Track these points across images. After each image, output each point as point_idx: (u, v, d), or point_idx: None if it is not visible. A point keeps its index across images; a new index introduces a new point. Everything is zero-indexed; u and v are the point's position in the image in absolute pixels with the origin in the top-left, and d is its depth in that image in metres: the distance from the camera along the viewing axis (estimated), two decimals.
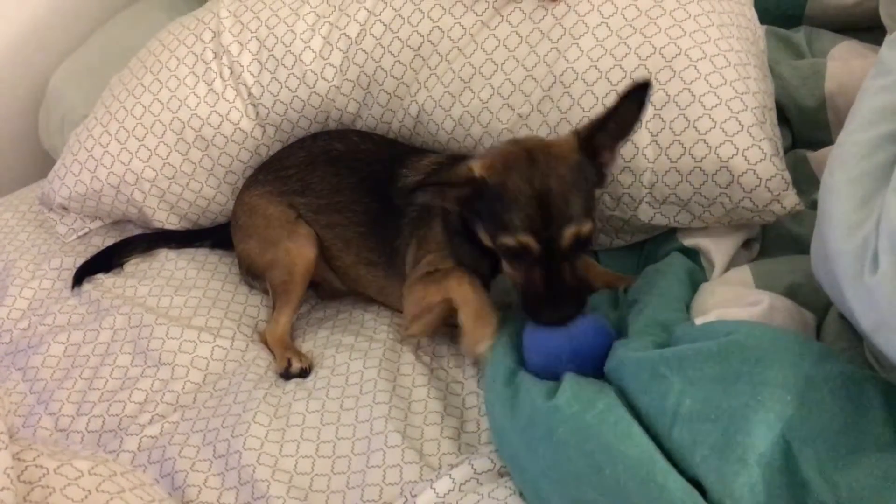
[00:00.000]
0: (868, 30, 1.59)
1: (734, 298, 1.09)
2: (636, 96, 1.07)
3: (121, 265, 1.55)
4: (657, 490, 0.84)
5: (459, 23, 1.39)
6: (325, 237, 1.43)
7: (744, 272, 1.16)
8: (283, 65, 1.48)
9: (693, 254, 1.26)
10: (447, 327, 1.26)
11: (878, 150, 0.92)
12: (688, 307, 1.14)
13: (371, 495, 1.06)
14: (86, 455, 1.02)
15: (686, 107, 1.22)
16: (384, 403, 1.17)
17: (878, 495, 0.79)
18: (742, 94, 1.21)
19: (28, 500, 0.89)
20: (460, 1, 1.40)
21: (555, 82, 1.30)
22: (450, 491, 1.01)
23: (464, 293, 1.16)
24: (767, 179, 1.18)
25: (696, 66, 1.23)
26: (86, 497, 0.91)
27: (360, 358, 1.28)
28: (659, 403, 0.92)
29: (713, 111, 1.20)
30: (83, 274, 1.51)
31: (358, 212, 1.40)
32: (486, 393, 1.14)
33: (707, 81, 1.22)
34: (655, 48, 1.25)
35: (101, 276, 1.52)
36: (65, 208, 1.65)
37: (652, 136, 1.23)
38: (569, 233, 1.05)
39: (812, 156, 1.40)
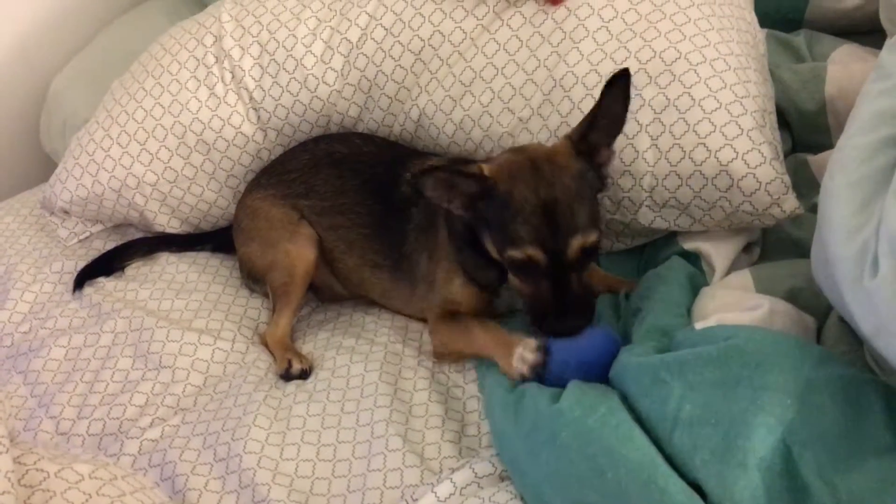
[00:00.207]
0: (868, 33, 1.59)
1: (734, 303, 1.09)
2: (618, 88, 1.08)
3: (122, 269, 1.55)
4: (658, 493, 0.84)
5: (460, 27, 1.39)
6: (329, 239, 1.44)
7: (744, 276, 1.16)
8: (284, 69, 1.49)
9: (694, 257, 1.26)
10: None
11: (878, 154, 0.92)
12: (689, 312, 1.14)
13: (372, 499, 1.06)
14: (86, 459, 1.02)
15: (686, 110, 1.22)
16: (385, 407, 1.17)
17: (879, 499, 0.79)
18: (742, 97, 1.22)
19: (29, 503, 0.89)
20: (461, 5, 1.40)
21: (555, 86, 1.30)
22: (451, 495, 1.01)
23: (488, 341, 1.16)
24: (767, 183, 1.18)
25: (695, 70, 1.23)
26: (86, 501, 0.91)
27: (361, 361, 1.28)
28: (660, 408, 0.92)
29: (713, 115, 1.20)
30: (84, 277, 1.51)
31: (362, 213, 1.40)
32: (487, 398, 1.14)
33: (707, 85, 1.22)
34: (655, 52, 1.26)
35: (102, 280, 1.52)
36: (66, 212, 1.65)
37: (652, 139, 1.23)
38: (576, 244, 1.05)
39: (812, 159, 1.40)
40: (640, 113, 1.24)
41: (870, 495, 0.79)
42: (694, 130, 1.21)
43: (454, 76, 1.38)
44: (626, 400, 0.97)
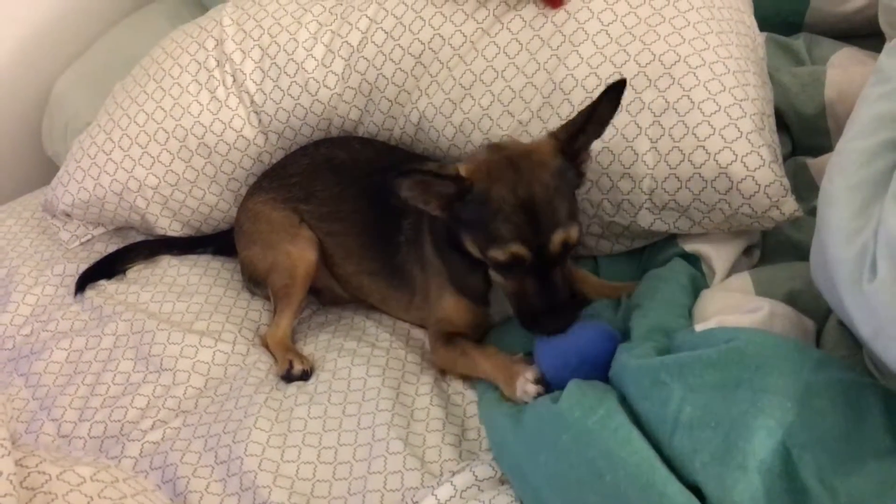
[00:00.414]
0: (868, 37, 1.59)
1: (734, 305, 1.09)
2: (613, 96, 1.08)
3: (123, 272, 1.55)
4: (657, 496, 0.85)
5: (460, 30, 1.39)
6: (328, 245, 1.44)
7: (744, 279, 1.16)
8: (285, 73, 1.49)
9: (694, 260, 1.26)
10: None
11: (877, 158, 0.92)
12: (690, 313, 1.14)
13: (373, 501, 1.06)
14: (88, 461, 1.02)
15: (685, 113, 1.22)
16: (387, 410, 1.18)
17: (878, 502, 0.79)
18: (741, 100, 1.22)
19: None
20: (461, 9, 1.40)
21: (555, 89, 1.30)
22: (451, 497, 1.01)
23: (488, 368, 1.17)
24: (766, 186, 1.18)
25: (695, 73, 1.24)
26: (88, 503, 0.92)
27: (362, 364, 1.28)
28: (660, 410, 0.92)
29: (712, 118, 1.21)
30: (86, 280, 1.52)
31: (358, 222, 1.40)
32: (483, 406, 1.15)
33: (706, 88, 1.22)
34: (655, 55, 1.26)
35: (103, 283, 1.52)
36: (68, 215, 1.65)
37: (651, 142, 1.23)
38: (558, 238, 1.06)
39: (812, 163, 1.40)
40: (639, 116, 1.24)
41: (869, 498, 0.79)
42: (693, 133, 1.21)
43: (454, 79, 1.38)
44: (625, 401, 0.97)
